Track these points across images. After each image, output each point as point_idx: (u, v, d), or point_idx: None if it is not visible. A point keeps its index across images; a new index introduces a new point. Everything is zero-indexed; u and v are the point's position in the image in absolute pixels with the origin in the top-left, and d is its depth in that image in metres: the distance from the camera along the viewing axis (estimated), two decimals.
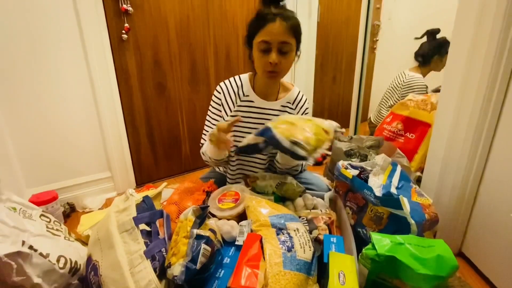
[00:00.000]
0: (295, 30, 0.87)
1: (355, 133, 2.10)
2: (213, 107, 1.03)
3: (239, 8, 1.72)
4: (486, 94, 0.85)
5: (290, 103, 1.02)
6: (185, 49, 1.61)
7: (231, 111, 1.00)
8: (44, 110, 1.29)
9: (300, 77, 2.14)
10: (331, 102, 2.60)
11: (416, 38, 1.83)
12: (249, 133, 0.96)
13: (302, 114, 1.03)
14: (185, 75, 1.66)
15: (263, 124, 0.98)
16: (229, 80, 1.02)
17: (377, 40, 2.45)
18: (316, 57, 2.23)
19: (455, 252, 1.02)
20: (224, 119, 1.01)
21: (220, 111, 1.02)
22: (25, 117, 1.26)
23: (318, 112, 2.49)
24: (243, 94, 1.00)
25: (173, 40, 1.56)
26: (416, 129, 1.42)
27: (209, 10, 1.63)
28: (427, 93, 1.75)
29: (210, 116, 1.04)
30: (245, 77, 1.03)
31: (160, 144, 1.69)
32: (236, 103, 1.00)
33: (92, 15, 1.28)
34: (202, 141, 1.05)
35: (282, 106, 1.01)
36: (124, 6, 1.36)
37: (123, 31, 1.40)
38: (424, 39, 1.82)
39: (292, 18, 0.86)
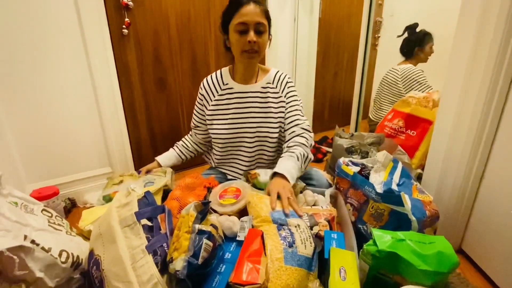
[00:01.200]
0: (267, 14, 0.95)
1: (356, 130, 2.10)
2: (198, 102, 1.12)
3: None
4: (489, 91, 0.84)
5: (270, 83, 1.04)
6: (185, 44, 1.60)
7: (212, 100, 1.06)
8: (45, 106, 1.28)
9: (302, 73, 2.14)
10: (332, 98, 2.59)
11: (398, 36, 1.92)
12: (233, 118, 1.04)
13: (284, 90, 1.04)
14: (185, 70, 1.65)
15: (246, 108, 1.03)
16: (210, 75, 1.09)
17: (379, 36, 2.43)
18: (318, 53, 2.22)
19: (455, 249, 1.02)
20: (207, 108, 1.08)
21: (203, 105, 1.09)
22: (26, 112, 1.25)
23: (319, 108, 2.48)
24: (223, 84, 1.05)
25: (173, 35, 1.55)
26: (417, 126, 1.41)
27: (210, 4, 1.61)
28: (425, 77, 1.79)
29: (195, 110, 1.14)
30: (225, 69, 1.08)
31: (160, 139, 1.69)
32: (217, 93, 1.05)
33: (92, 9, 1.27)
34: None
35: (263, 87, 1.04)
36: (125, 0, 1.35)
37: (124, 26, 1.39)
38: (406, 35, 1.91)
39: (262, 3, 0.94)
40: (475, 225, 0.97)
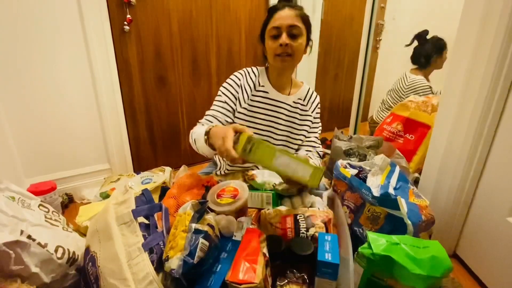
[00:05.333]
0: (304, 18, 0.90)
1: (355, 133, 2.10)
2: (227, 89, 0.97)
3: (242, 1, 1.71)
4: (487, 97, 0.85)
5: (301, 99, 1.03)
6: (187, 42, 1.60)
7: (248, 97, 0.97)
8: (44, 100, 1.28)
9: (302, 74, 2.14)
10: (332, 100, 2.60)
11: (406, 45, 1.87)
12: (262, 124, 0.98)
13: (314, 110, 1.06)
14: (186, 69, 1.65)
15: (277, 116, 0.99)
16: (246, 69, 1.01)
17: (380, 39, 2.44)
18: (319, 54, 2.22)
19: (450, 254, 1.03)
20: (240, 104, 0.96)
21: (238, 93, 0.97)
22: (25, 107, 1.25)
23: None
24: (259, 84, 0.99)
25: (175, 32, 1.55)
26: (416, 130, 1.42)
27: (212, 3, 1.61)
28: (432, 93, 1.76)
29: (221, 96, 0.97)
30: (261, 68, 1.03)
31: (159, 137, 1.69)
32: (251, 92, 0.98)
33: (94, 5, 1.27)
34: (201, 120, 0.97)
35: (294, 102, 1.02)
36: None
37: (125, 22, 1.38)
38: (415, 44, 1.85)
39: (300, 8, 0.91)
40: (470, 230, 0.98)
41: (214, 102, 0.99)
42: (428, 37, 1.81)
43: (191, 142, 0.90)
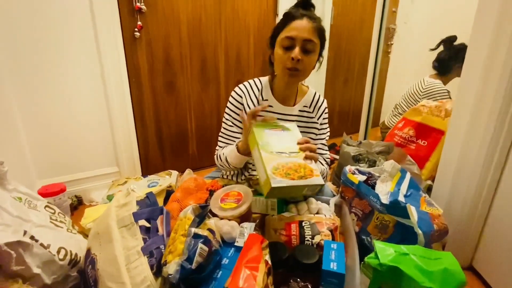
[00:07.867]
0: (321, 33, 0.86)
1: (365, 138, 2.06)
2: (232, 110, 0.97)
3: (251, 8, 1.72)
4: (504, 101, 0.81)
5: (307, 106, 0.99)
6: (196, 48, 1.62)
7: None
8: (57, 104, 1.32)
9: (311, 78, 2.12)
10: (342, 105, 2.56)
11: (431, 50, 1.78)
12: None
13: (321, 116, 1.02)
14: (195, 74, 1.67)
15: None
16: (248, 83, 0.98)
17: (392, 44, 2.40)
18: (328, 59, 2.20)
19: (465, 266, 0.97)
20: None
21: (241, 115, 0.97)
22: (38, 111, 1.29)
23: (329, 114, 2.45)
24: (262, 99, 0.96)
25: (184, 38, 1.57)
26: (428, 136, 1.37)
27: (221, 9, 1.63)
28: (449, 98, 1.69)
29: (228, 120, 0.98)
30: (264, 80, 0.99)
31: (168, 141, 1.71)
32: (254, 107, 0.96)
33: (106, 12, 1.31)
34: (218, 146, 1.01)
35: (300, 111, 0.99)
36: (138, 4, 1.38)
37: (136, 29, 1.42)
38: (441, 48, 1.77)
39: (319, 21, 0.85)
40: (487, 241, 0.93)
41: (223, 125, 1.00)
42: (456, 43, 1.71)
43: (223, 164, 0.95)
